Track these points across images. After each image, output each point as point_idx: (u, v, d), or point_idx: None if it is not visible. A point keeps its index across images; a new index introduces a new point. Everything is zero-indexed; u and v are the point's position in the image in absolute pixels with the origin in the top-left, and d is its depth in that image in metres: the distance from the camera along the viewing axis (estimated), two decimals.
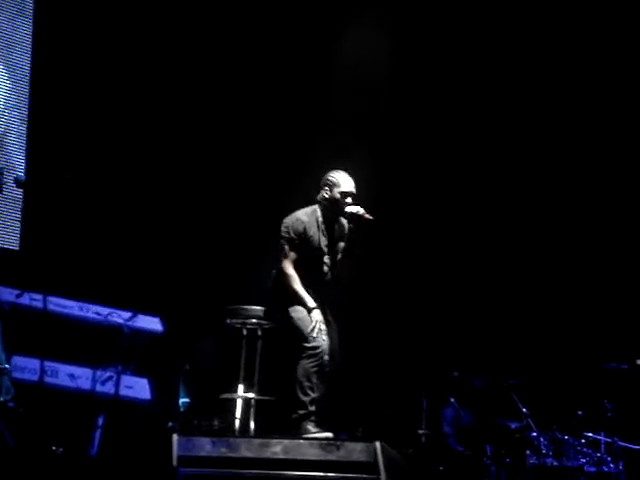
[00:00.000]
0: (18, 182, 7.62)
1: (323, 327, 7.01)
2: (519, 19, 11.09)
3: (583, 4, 10.94)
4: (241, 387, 8.22)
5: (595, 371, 9.54)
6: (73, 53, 10.17)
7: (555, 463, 9.10)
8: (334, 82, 11.09)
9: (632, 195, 11.05)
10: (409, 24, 11.19)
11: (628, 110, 11.01)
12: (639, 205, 10.99)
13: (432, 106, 11.33)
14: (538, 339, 10.75)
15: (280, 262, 7.10)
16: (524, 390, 9.68)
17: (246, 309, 8.16)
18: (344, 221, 7.29)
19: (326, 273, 7.22)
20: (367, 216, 7.11)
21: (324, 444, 6.53)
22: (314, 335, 6.93)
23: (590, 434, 9.32)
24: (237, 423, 8.24)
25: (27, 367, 8.32)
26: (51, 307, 8.47)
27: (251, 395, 8.14)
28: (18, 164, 9.68)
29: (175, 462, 6.31)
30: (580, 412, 9.41)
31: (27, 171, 9.67)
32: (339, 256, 7.27)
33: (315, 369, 6.89)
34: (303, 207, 7.27)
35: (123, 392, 8.88)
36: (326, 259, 7.22)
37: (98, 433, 8.63)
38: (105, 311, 9.13)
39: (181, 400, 9.62)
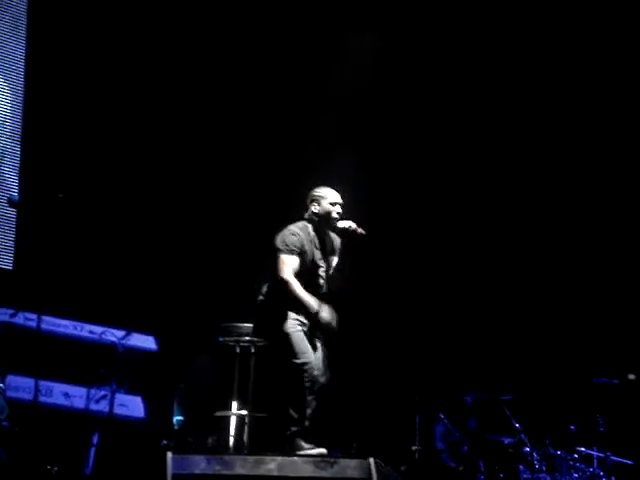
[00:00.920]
0: (11, 202, 7.67)
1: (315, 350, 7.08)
2: (515, 17, 11.08)
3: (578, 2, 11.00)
4: (235, 404, 8.24)
5: (587, 386, 9.57)
6: (67, 72, 10.20)
7: (548, 478, 9.12)
8: (325, 91, 11.10)
9: (623, 208, 11.09)
10: (398, 25, 11.19)
11: (628, 110, 11.03)
12: (630, 221, 11.05)
13: (422, 111, 11.34)
14: (530, 355, 10.77)
15: (278, 273, 7.07)
16: (517, 405, 9.71)
17: (239, 327, 8.18)
18: (334, 236, 7.34)
19: (322, 286, 7.26)
20: (360, 231, 7.16)
21: (318, 461, 6.54)
22: (304, 351, 6.96)
23: (583, 449, 9.35)
24: (231, 440, 8.26)
25: (21, 386, 8.33)
26: (45, 326, 8.46)
27: (245, 412, 8.16)
28: (12, 184, 9.71)
29: None
30: (573, 427, 9.44)
31: (20, 191, 9.69)
32: (332, 271, 7.31)
33: (305, 385, 6.92)
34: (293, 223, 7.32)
35: (117, 410, 8.89)
36: (321, 272, 7.26)
37: (93, 452, 8.63)
38: (99, 330, 9.15)
39: (175, 418, 9.63)
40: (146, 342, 9.45)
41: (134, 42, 10.55)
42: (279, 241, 7.16)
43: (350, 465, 6.53)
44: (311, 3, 11.09)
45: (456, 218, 11.34)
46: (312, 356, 7.01)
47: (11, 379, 8.17)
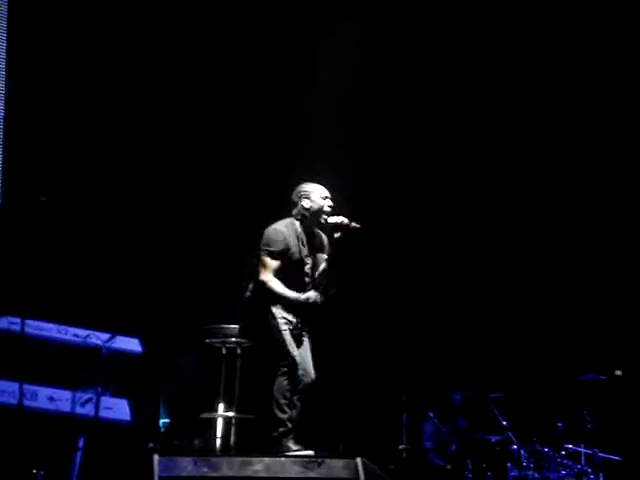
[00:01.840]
0: None
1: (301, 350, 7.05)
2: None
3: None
4: (221, 406, 8.22)
5: (574, 383, 9.58)
6: (49, 73, 10.15)
7: (536, 475, 9.13)
8: (311, 90, 11.06)
9: (608, 206, 11.11)
10: (387, 20, 11.16)
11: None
12: (614, 218, 11.06)
13: (412, 102, 11.32)
14: (517, 352, 10.78)
15: (258, 274, 7.06)
16: (504, 403, 9.71)
17: (225, 328, 8.16)
18: (322, 234, 7.31)
19: (307, 284, 7.23)
20: (354, 225, 7.14)
21: (305, 461, 6.53)
22: (290, 352, 6.94)
23: (570, 446, 9.37)
24: (218, 442, 8.23)
25: (6, 390, 8.26)
26: (29, 330, 8.42)
27: (231, 414, 8.13)
28: None
29: None
30: (560, 424, 9.45)
31: (2, 194, 9.64)
32: (320, 268, 7.27)
33: (291, 386, 6.89)
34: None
35: (103, 413, 8.83)
36: (307, 269, 7.23)
37: (79, 455, 8.58)
38: (84, 333, 9.08)
39: (161, 420, 9.59)
40: (131, 344, 9.39)
41: (115, 42, 10.49)
42: (264, 241, 7.13)
43: (338, 465, 6.52)
44: None
45: (442, 216, 11.33)
46: (298, 357, 6.98)
47: None
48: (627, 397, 10.21)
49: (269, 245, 7.09)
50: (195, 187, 10.82)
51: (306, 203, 7.24)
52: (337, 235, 7.18)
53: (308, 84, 11.00)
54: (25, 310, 7.70)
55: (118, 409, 9.04)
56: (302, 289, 7.16)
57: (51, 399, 8.77)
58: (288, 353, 6.93)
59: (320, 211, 7.21)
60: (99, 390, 8.76)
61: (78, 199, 10.04)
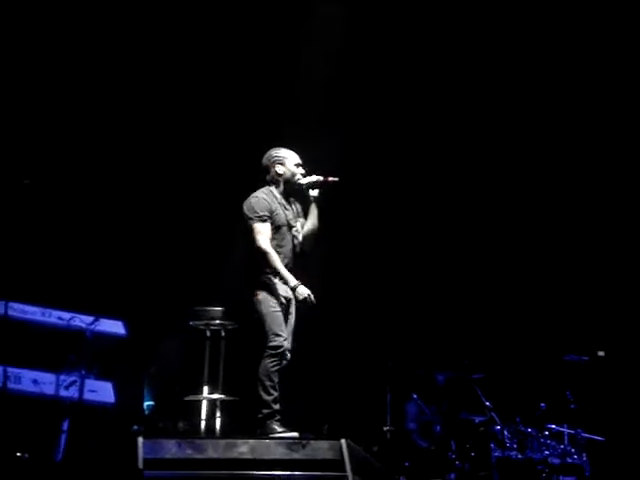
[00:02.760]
0: None
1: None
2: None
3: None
4: (206, 388, 8.22)
5: (557, 363, 9.62)
6: (30, 57, 10.12)
7: (519, 456, 9.16)
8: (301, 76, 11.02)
9: (590, 193, 11.13)
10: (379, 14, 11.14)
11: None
12: (597, 206, 11.08)
13: (407, 101, 11.32)
14: (500, 333, 10.81)
15: (255, 243, 7.01)
16: (487, 384, 9.74)
17: (209, 310, 8.16)
18: (296, 202, 7.32)
19: (295, 246, 7.23)
20: (331, 179, 7.17)
21: (290, 443, 6.55)
22: (278, 334, 6.93)
23: (553, 426, 9.40)
24: (202, 424, 8.24)
25: None
26: (13, 313, 8.43)
27: (216, 396, 8.13)
28: None
29: (141, 465, 6.30)
30: (543, 405, 9.48)
31: None
32: (305, 229, 7.26)
33: (276, 368, 6.90)
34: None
35: (87, 396, 8.84)
36: (294, 232, 7.23)
37: (63, 438, 8.59)
38: (67, 316, 9.09)
39: (146, 403, 9.60)
40: (115, 327, 9.41)
41: (97, 26, 10.45)
42: (247, 210, 7.11)
43: (322, 447, 6.53)
44: None
45: (426, 200, 11.33)
46: (285, 341, 6.96)
47: None
48: (610, 378, 10.25)
49: (255, 211, 7.07)
50: (179, 171, 10.80)
51: (279, 169, 7.25)
52: (315, 193, 7.21)
53: (294, 68, 10.97)
54: (8, 293, 7.68)
55: (102, 392, 9.07)
56: (292, 254, 7.16)
57: (35, 382, 8.78)
58: (277, 335, 6.92)
59: (293, 176, 7.23)
60: (83, 373, 8.78)
61: (63, 182, 10.03)
